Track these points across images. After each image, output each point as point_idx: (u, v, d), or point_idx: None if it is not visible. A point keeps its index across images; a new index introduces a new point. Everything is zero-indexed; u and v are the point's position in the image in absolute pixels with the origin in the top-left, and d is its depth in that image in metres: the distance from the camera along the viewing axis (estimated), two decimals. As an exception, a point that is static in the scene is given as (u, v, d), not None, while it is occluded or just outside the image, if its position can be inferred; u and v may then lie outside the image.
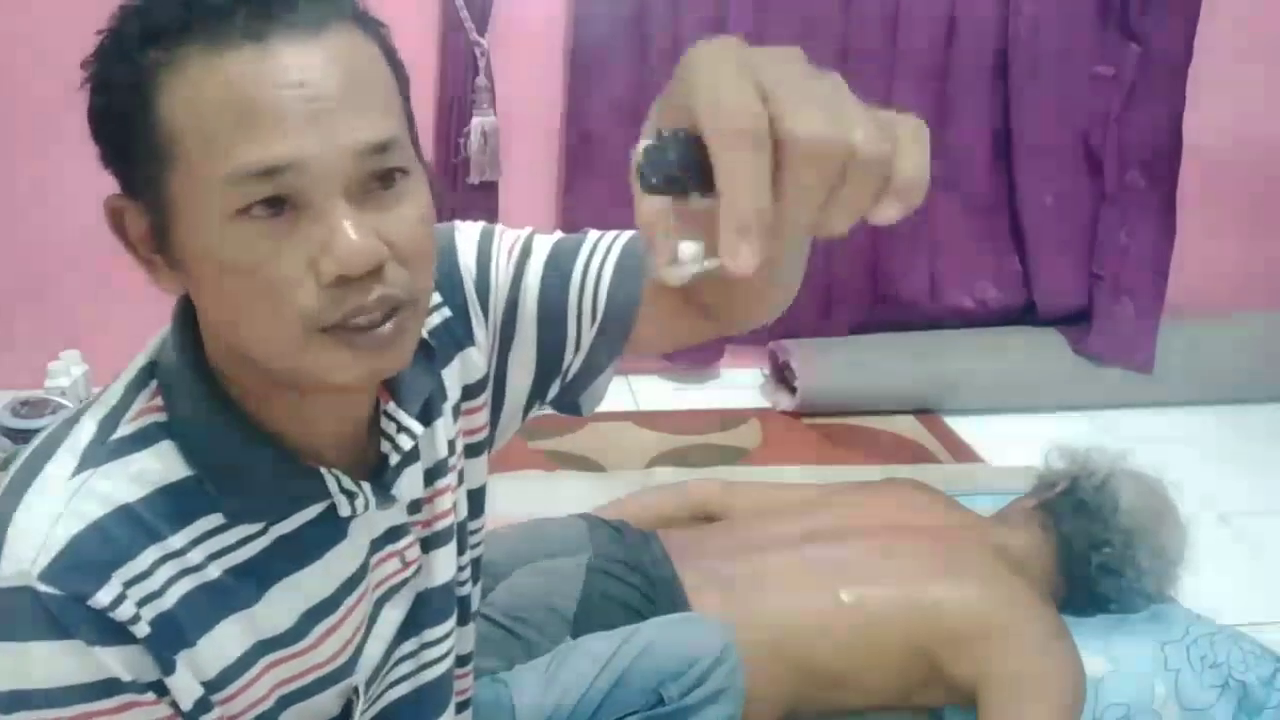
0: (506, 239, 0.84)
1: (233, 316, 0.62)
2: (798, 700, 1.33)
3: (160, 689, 0.65)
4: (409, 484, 0.78)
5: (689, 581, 1.35)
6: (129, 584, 0.62)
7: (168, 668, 0.64)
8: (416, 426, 0.74)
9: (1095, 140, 2.77)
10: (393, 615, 0.80)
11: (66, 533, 0.61)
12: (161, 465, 0.65)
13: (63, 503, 0.62)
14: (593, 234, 0.85)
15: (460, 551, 0.85)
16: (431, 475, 0.80)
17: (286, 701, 0.72)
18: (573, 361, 0.84)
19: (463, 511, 0.85)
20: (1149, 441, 2.62)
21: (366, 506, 0.72)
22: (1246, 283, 2.81)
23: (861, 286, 2.87)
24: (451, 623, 0.86)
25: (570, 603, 1.29)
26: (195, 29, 0.57)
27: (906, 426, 2.67)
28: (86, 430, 0.66)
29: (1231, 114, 2.78)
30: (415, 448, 0.76)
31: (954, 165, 2.73)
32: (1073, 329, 2.90)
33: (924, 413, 2.79)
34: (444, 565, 0.83)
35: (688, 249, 0.43)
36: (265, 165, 0.57)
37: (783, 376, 2.86)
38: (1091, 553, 1.46)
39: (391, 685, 0.84)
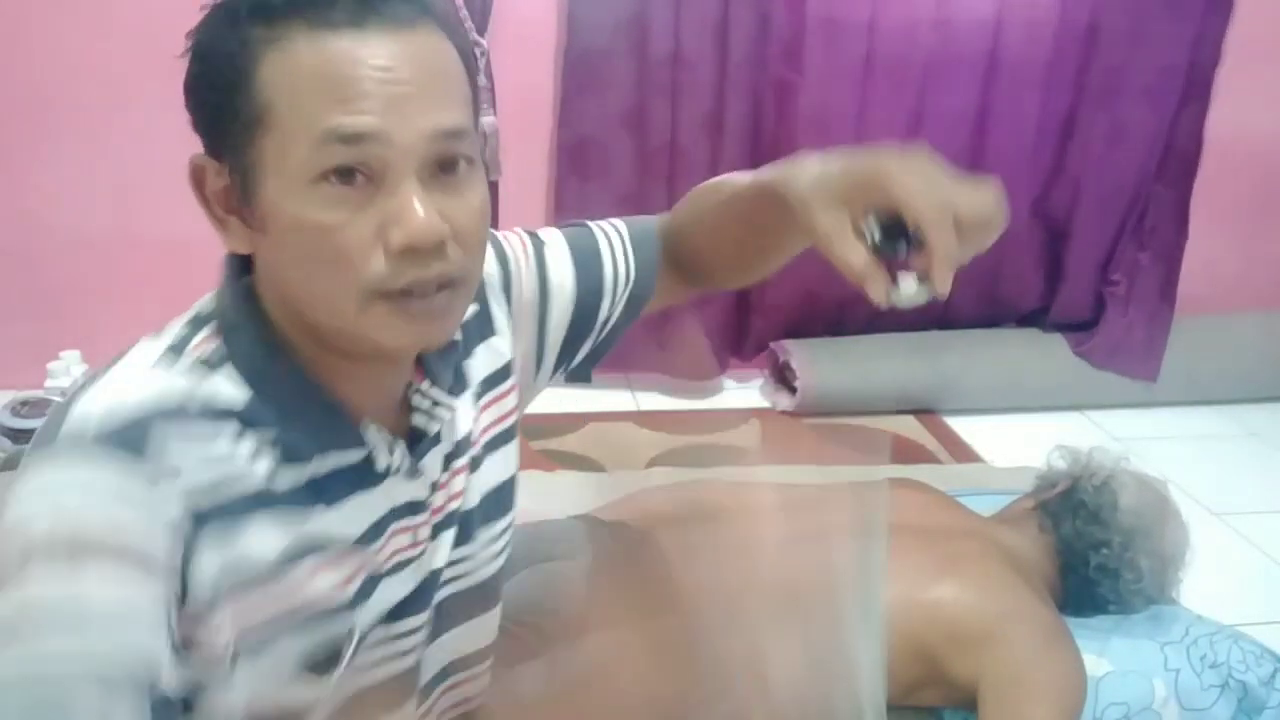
0: (510, 236, 0.93)
1: (301, 274, 0.67)
2: (798, 700, 1.33)
3: (183, 561, 0.66)
4: (431, 464, 0.81)
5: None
6: (182, 454, 0.66)
7: (194, 540, 0.67)
8: (452, 402, 0.80)
9: (1126, 145, 2.76)
10: (394, 591, 0.80)
11: (140, 398, 0.67)
12: (226, 383, 0.70)
13: (140, 380, 0.68)
14: (598, 225, 0.97)
15: (457, 543, 0.85)
16: (449, 459, 0.83)
17: (261, 633, 0.72)
18: (600, 335, 0.96)
19: (471, 500, 0.86)
20: (1149, 441, 2.64)
21: (400, 468, 0.77)
22: (1245, 283, 2.81)
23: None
24: (426, 615, 0.84)
25: (571, 604, 1.29)
26: (303, 11, 0.64)
27: (906, 426, 2.67)
28: (153, 349, 0.71)
29: (1233, 114, 2.79)
30: (439, 431, 0.80)
31: (992, 168, 2.74)
32: (1077, 335, 2.90)
33: (924, 413, 2.79)
34: (442, 551, 0.84)
35: (910, 284, 0.71)
36: (353, 130, 0.63)
37: (783, 377, 2.86)
38: (1091, 553, 1.46)
39: (364, 669, 0.81)
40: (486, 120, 2.50)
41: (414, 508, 0.80)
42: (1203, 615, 1.54)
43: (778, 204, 0.80)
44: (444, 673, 0.91)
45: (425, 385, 0.79)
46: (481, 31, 2.47)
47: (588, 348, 0.97)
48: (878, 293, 0.71)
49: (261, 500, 0.70)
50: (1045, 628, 1.30)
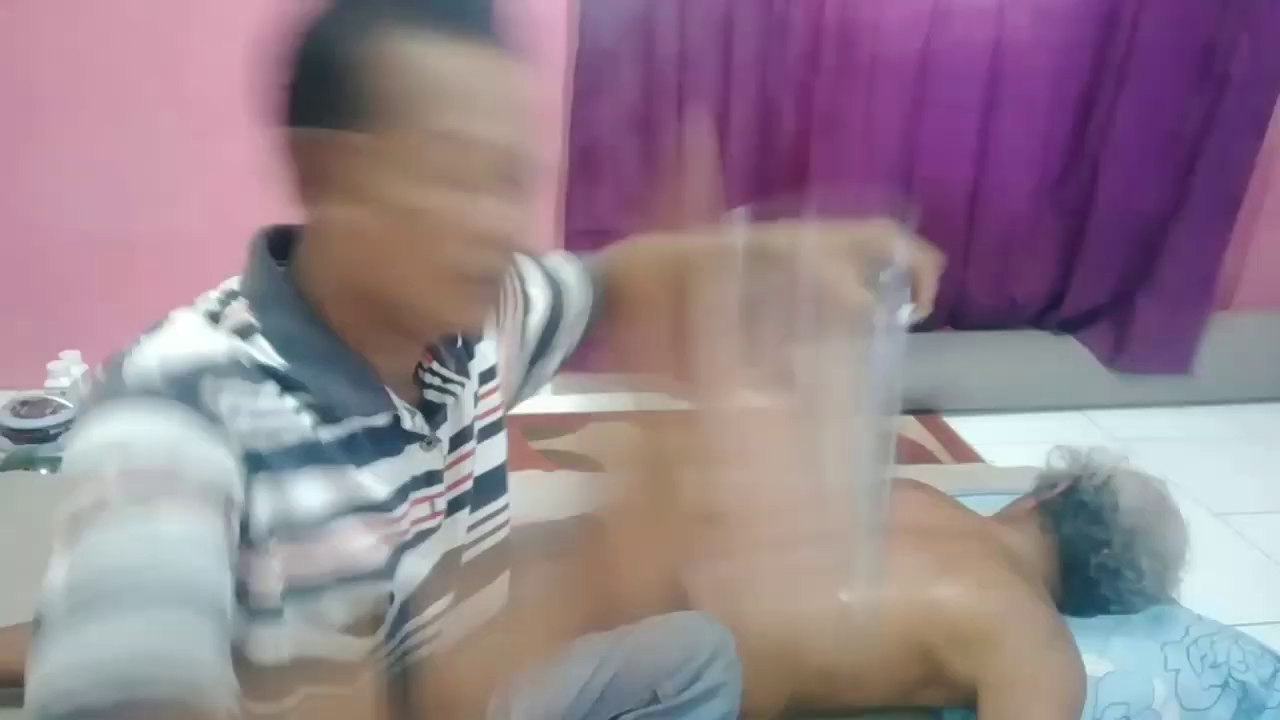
0: None
1: (386, 252, 0.73)
2: (797, 700, 1.33)
3: (242, 495, 0.70)
4: (444, 437, 0.86)
5: (689, 582, 1.34)
6: (233, 406, 0.70)
7: (250, 484, 0.70)
8: (462, 380, 0.86)
9: (1178, 149, 2.74)
10: (418, 566, 0.83)
11: (191, 351, 0.71)
12: (261, 351, 0.74)
13: (189, 336, 0.73)
14: (566, 265, 1.08)
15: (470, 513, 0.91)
16: (455, 441, 0.88)
17: (307, 586, 0.75)
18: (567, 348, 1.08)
19: (468, 485, 0.91)
20: (1149, 441, 2.64)
21: (420, 434, 0.82)
22: (1245, 283, 2.80)
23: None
24: (447, 602, 0.88)
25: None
26: (448, 20, 0.71)
27: (906, 426, 2.67)
28: (192, 316, 0.75)
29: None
30: (445, 410, 0.86)
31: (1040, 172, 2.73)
32: (1100, 338, 2.87)
33: (924, 413, 2.79)
34: (459, 528, 0.89)
35: (908, 309, 0.84)
36: (483, 139, 0.72)
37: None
38: (1092, 553, 1.46)
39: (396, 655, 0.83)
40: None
41: (431, 477, 0.84)
42: (1203, 615, 1.54)
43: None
44: None
45: (435, 365, 0.85)
46: (482, 31, 2.47)
47: (558, 357, 1.08)
48: (881, 317, 0.84)
49: (308, 452, 0.74)
50: (1045, 628, 1.30)
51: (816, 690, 1.33)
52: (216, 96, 2.54)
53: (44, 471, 2.14)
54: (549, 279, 1.05)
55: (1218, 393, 2.90)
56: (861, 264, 0.90)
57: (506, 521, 0.97)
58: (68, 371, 2.48)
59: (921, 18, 2.60)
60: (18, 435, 2.25)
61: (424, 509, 0.84)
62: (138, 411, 0.67)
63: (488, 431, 0.94)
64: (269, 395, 0.73)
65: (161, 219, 2.58)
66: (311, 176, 0.73)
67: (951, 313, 2.90)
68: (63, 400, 2.34)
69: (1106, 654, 1.41)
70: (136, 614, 0.62)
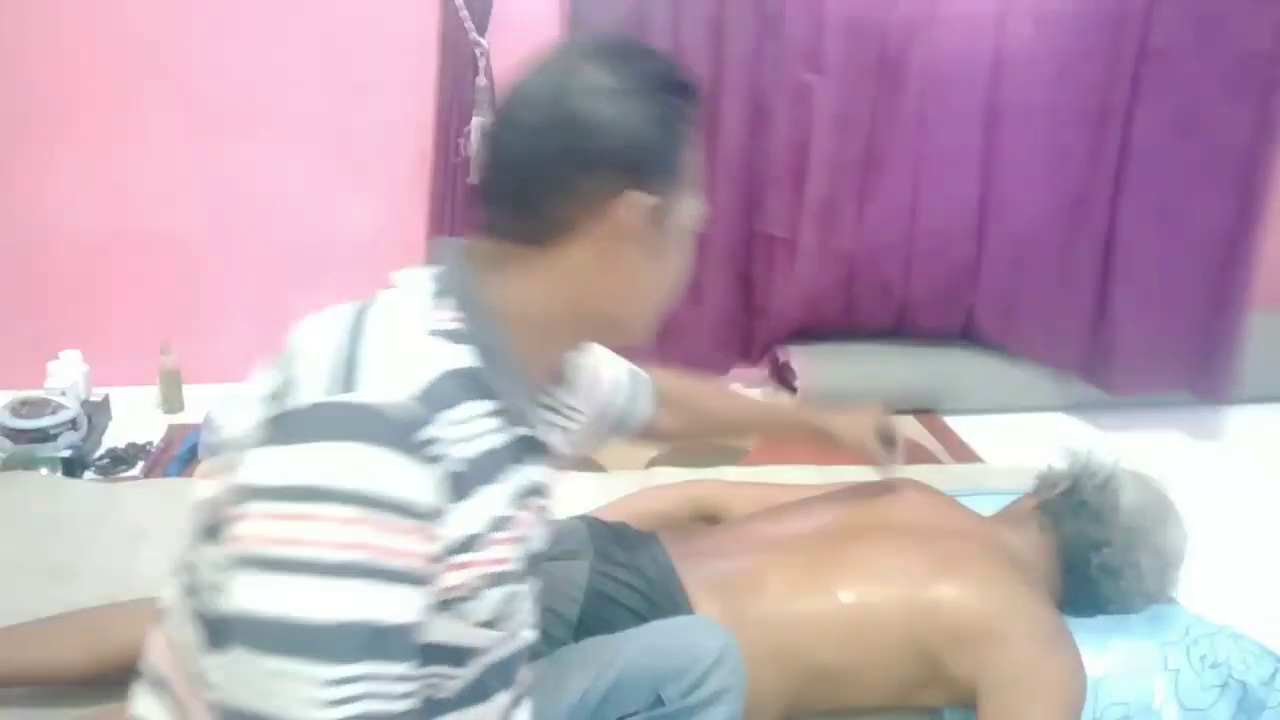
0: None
1: (638, 290, 0.89)
2: (797, 700, 1.33)
3: (436, 525, 0.76)
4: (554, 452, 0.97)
5: (689, 582, 1.34)
6: (450, 426, 0.78)
7: (448, 508, 0.77)
8: (579, 405, 1.01)
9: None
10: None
11: (418, 374, 0.78)
12: (467, 356, 0.82)
13: (413, 352, 0.80)
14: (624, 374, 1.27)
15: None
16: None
17: (499, 579, 0.83)
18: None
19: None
20: (1148, 441, 2.64)
21: (550, 448, 0.94)
22: (1252, 282, 2.79)
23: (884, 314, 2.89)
24: (535, 590, 0.96)
25: (572, 605, 1.29)
26: (698, 102, 0.88)
27: (906, 426, 2.67)
28: (406, 316, 0.83)
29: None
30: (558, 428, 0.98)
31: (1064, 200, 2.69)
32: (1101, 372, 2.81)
33: (924, 413, 2.79)
34: (541, 534, 0.96)
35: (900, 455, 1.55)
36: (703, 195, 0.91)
37: (783, 377, 2.87)
38: (1092, 553, 1.46)
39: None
40: (487, 120, 2.51)
41: (539, 489, 0.92)
42: (1203, 615, 1.54)
43: (800, 427, 1.59)
44: None
45: (559, 390, 0.98)
46: (481, 32, 2.47)
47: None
48: (886, 464, 1.53)
49: (489, 461, 0.82)
50: (1045, 628, 1.30)
51: (817, 691, 1.33)
52: (216, 96, 2.54)
53: (44, 471, 2.14)
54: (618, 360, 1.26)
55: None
56: (878, 435, 1.52)
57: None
58: (68, 371, 2.48)
59: (921, 17, 2.59)
60: (18, 435, 2.25)
61: (530, 517, 0.90)
62: (370, 458, 0.72)
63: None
64: (474, 405, 0.81)
65: (161, 219, 2.59)
66: (567, 220, 0.83)
67: (963, 330, 2.90)
68: (63, 400, 2.34)
69: (1106, 654, 1.41)
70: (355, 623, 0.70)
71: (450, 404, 0.78)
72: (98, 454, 2.35)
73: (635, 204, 0.83)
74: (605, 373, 1.21)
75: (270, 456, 0.73)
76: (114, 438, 2.43)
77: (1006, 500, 1.64)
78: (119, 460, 2.32)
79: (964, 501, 1.60)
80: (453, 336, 0.82)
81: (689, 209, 0.89)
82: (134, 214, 2.55)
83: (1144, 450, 1.62)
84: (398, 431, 0.73)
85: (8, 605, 1.52)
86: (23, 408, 2.30)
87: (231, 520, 0.74)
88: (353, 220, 2.65)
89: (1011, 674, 1.25)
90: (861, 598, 1.33)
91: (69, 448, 2.26)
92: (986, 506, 1.63)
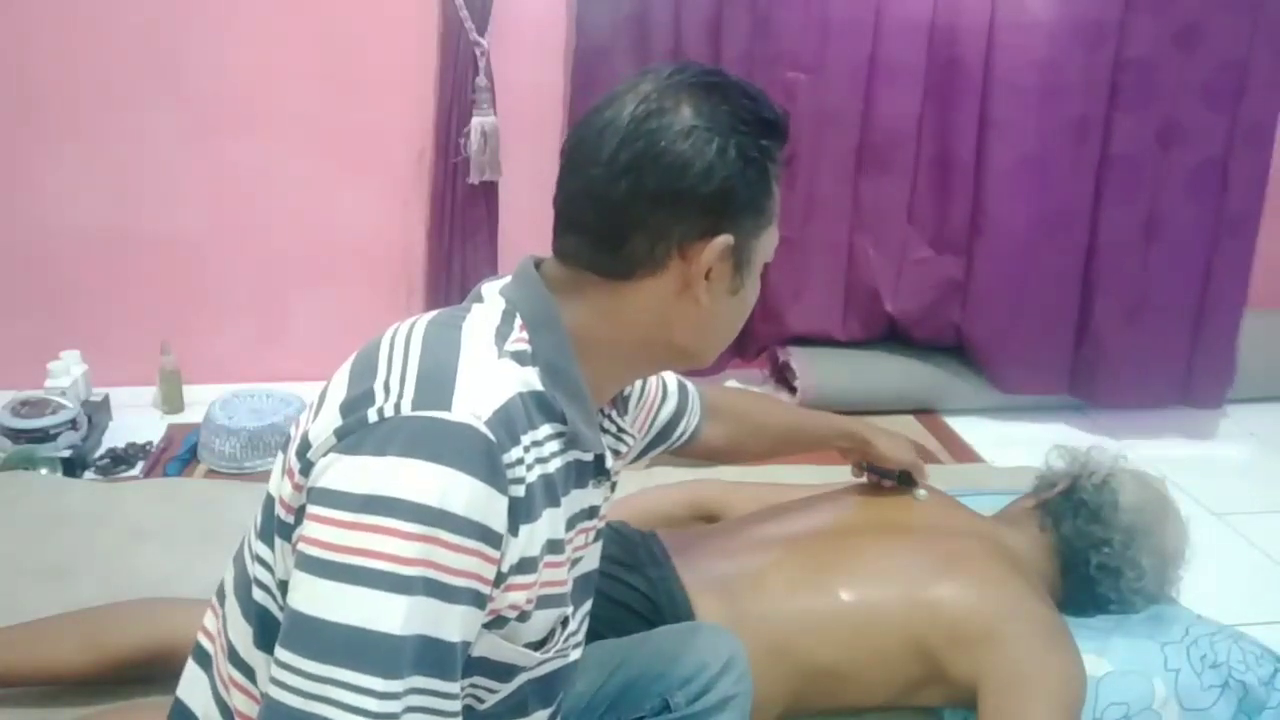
0: None
1: (714, 324, 0.89)
2: (797, 699, 1.33)
3: (501, 548, 0.76)
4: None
5: (689, 582, 1.34)
6: (528, 449, 0.78)
7: (514, 532, 0.77)
8: (633, 430, 1.03)
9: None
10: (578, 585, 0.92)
11: (502, 395, 0.78)
12: (535, 378, 0.82)
13: (496, 373, 0.80)
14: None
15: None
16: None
17: (551, 601, 0.84)
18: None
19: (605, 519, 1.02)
20: (1149, 441, 2.64)
21: (609, 472, 0.95)
22: (1251, 282, 2.79)
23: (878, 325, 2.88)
24: (584, 612, 0.97)
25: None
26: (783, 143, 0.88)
27: (906, 426, 2.67)
28: (485, 334, 0.83)
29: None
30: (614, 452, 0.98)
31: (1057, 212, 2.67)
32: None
33: (924, 413, 2.79)
34: (597, 554, 0.99)
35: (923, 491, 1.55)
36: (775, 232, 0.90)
37: (783, 377, 2.86)
38: (1091, 552, 1.46)
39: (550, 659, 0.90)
40: (487, 120, 2.51)
41: (592, 512, 0.93)
42: (1203, 615, 1.54)
43: (846, 438, 1.53)
44: None
45: (615, 413, 0.99)
46: (481, 31, 2.47)
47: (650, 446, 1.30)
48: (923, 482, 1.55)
49: (550, 484, 0.82)
50: (1045, 627, 1.30)
51: (817, 691, 1.33)
52: (216, 96, 2.54)
53: (44, 471, 2.15)
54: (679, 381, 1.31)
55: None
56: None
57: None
58: (68, 371, 2.48)
59: (920, 19, 2.59)
60: (18, 435, 2.25)
61: (582, 539, 0.92)
62: (459, 478, 0.72)
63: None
64: (546, 428, 0.81)
65: (161, 219, 2.59)
66: (651, 260, 0.83)
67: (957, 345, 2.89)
68: (63, 400, 2.34)
69: (1106, 654, 1.41)
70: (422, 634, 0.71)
71: (529, 426, 0.79)
72: (98, 454, 2.35)
73: (721, 246, 0.83)
74: (653, 381, 1.24)
75: (354, 464, 0.73)
76: (114, 438, 2.43)
77: (1006, 500, 1.65)
78: (119, 460, 2.32)
79: (964, 501, 1.60)
80: (520, 358, 0.82)
81: (768, 243, 0.89)
82: (134, 214, 2.55)
83: (1144, 449, 1.62)
84: (483, 455, 0.73)
85: (8, 605, 1.52)
86: (23, 408, 2.30)
87: (302, 521, 0.74)
88: (353, 220, 2.65)
89: (1011, 674, 1.25)
90: (862, 597, 1.33)
91: (69, 448, 2.26)
92: (986, 506, 1.63)
